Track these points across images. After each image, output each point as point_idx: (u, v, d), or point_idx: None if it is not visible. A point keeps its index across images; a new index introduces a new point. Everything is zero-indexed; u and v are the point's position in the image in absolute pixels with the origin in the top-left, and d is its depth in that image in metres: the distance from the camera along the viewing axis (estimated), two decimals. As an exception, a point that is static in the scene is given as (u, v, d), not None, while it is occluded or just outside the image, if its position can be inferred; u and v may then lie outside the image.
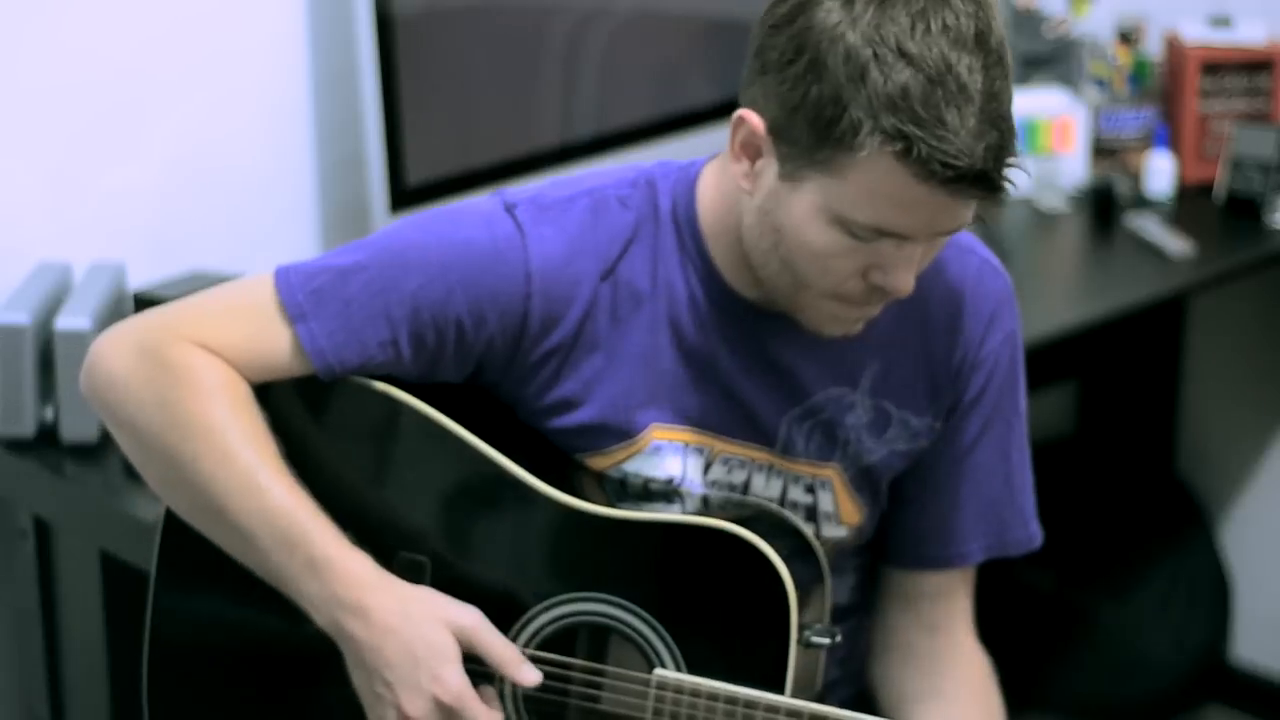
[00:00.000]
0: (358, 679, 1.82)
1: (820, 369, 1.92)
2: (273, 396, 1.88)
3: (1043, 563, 3.65)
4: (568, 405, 1.90)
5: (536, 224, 1.86)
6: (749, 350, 1.90)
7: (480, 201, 1.91)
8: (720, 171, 1.88)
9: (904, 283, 1.77)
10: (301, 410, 1.90)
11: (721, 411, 1.91)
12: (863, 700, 2.06)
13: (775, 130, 1.76)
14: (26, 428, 2.52)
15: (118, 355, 1.87)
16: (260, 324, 1.86)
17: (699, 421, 1.91)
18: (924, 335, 1.94)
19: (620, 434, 1.90)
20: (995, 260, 1.99)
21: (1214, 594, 3.74)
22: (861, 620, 2.06)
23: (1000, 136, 1.70)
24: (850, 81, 1.69)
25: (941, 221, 1.75)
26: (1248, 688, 3.77)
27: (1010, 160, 1.72)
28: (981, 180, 1.70)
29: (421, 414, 1.88)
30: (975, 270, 1.96)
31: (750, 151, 1.79)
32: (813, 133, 1.72)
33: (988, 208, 1.78)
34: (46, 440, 2.53)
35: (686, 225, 1.89)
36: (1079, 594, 3.67)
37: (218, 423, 1.82)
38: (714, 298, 1.89)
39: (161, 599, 1.94)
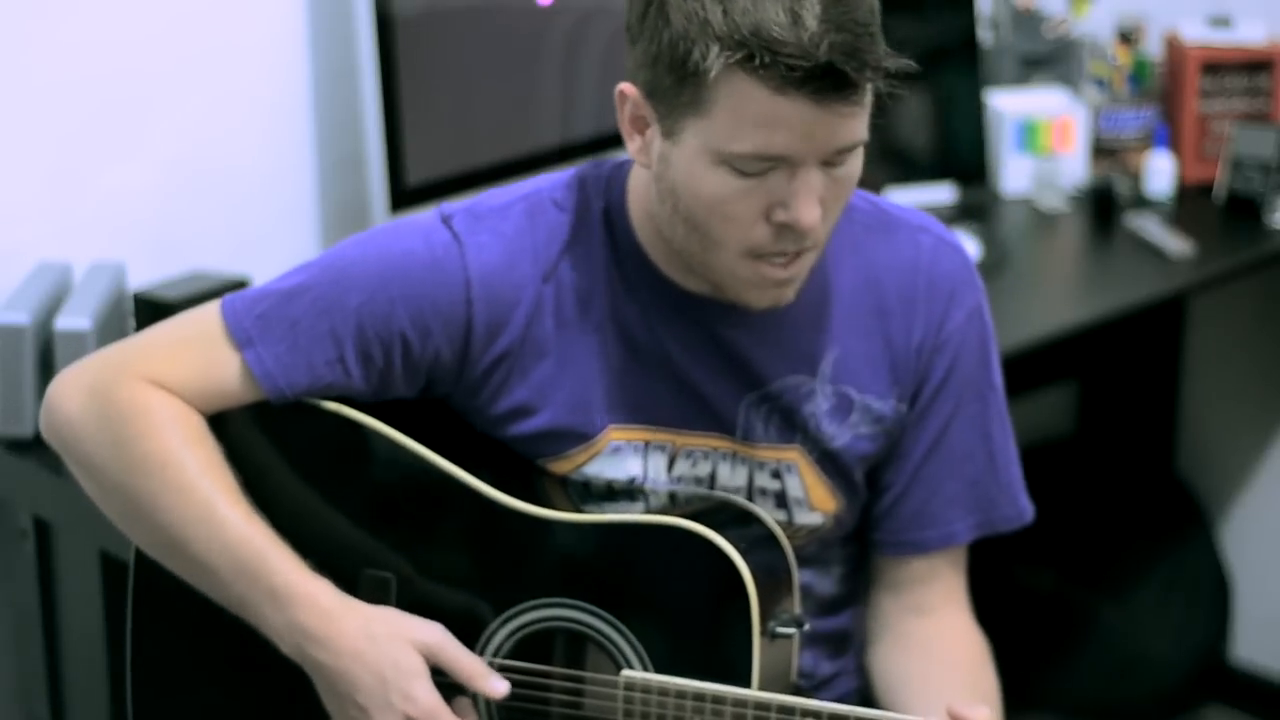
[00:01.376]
0: (330, 705, 1.82)
1: (777, 356, 1.91)
2: (228, 426, 1.88)
3: (1042, 562, 3.66)
4: (522, 413, 1.90)
5: (473, 232, 1.87)
6: (698, 339, 1.90)
7: (420, 215, 1.92)
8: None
9: (807, 214, 1.75)
10: (257, 437, 1.90)
11: (677, 404, 1.91)
12: (865, 686, 2.06)
13: (649, 91, 1.78)
14: (26, 428, 2.52)
15: (71, 398, 1.88)
16: (209, 354, 1.87)
17: (656, 418, 1.91)
18: (881, 318, 1.94)
19: (577, 437, 1.91)
20: (952, 237, 1.98)
21: (1214, 594, 3.75)
22: (855, 611, 2.06)
23: (852, 38, 1.70)
24: (692, 16, 1.71)
25: (821, 136, 1.73)
26: (1248, 688, 3.77)
27: (869, 59, 1.71)
28: (833, 77, 1.69)
29: (376, 432, 1.89)
30: (930, 249, 1.95)
31: (639, 125, 1.81)
32: (672, 76, 1.74)
33: (868, 116, 1.76)
34: (46, 440, 2.53)
35: (619, 222, 1.89)
36: (1079, 594, 3.67)
37: (172, 457, 1.83)
38: (657, 291, 1.89)
39: (141, 606, 1.95)
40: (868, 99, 1.75)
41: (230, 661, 1.92)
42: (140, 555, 1.93)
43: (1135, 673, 3.65)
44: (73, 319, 2.47)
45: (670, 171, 1.79)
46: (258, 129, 2.81)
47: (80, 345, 2.40)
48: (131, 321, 2.55)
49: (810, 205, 1.76)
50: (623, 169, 1.92)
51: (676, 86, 1.74)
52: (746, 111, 1.72)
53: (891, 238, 1.94)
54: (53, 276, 2.59)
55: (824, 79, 1.69)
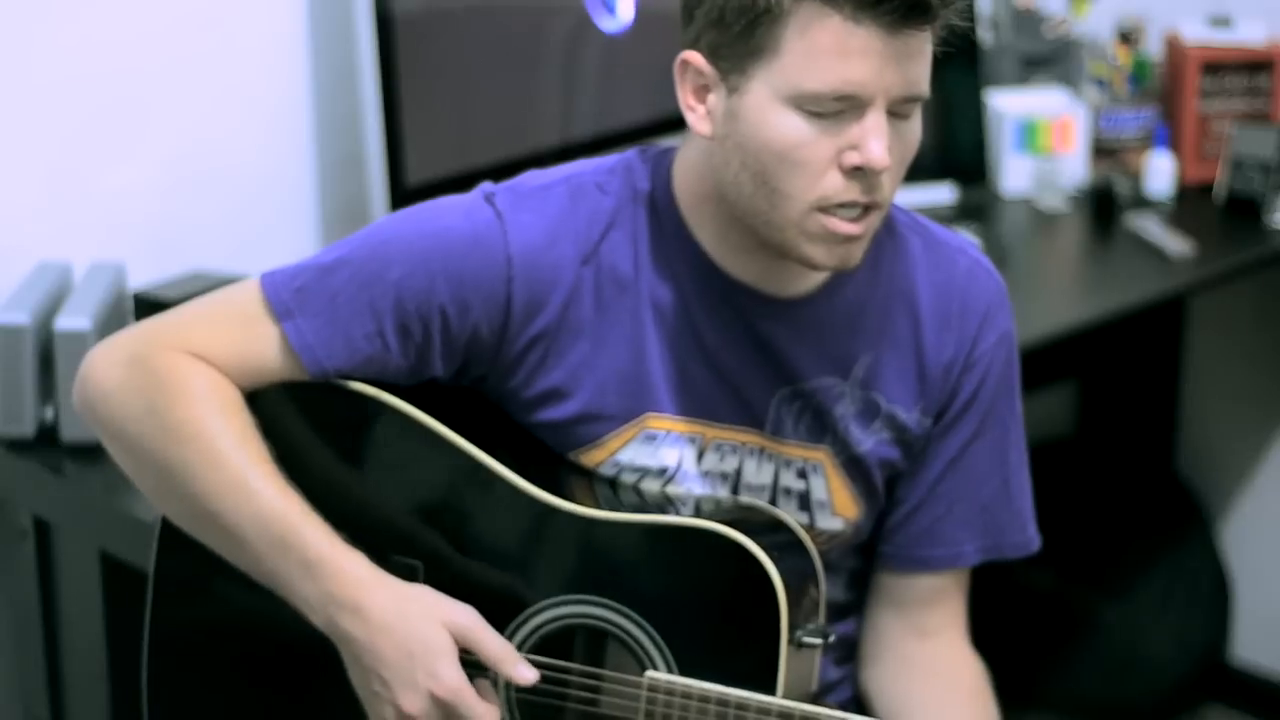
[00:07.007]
0: (355, 677, 1.82)
1: (812, 356, 1.92)
2: (262, 403, 1.88)
3: (1042, 562, 3.64)
4: (556, 395, 1.90)
5: (515, 210, 1.87)
6: (738, 328, 1.90)
7: (461, 195, 1.92)
8: (689, 146, 1.89)
9: (878, 153, 1.76)
10: (292, 416, 1.90)
11: (710, 392, 1.91)
12: (862, 703, 2.06)
13: (712, 51, 1.79)
14: (26, 428, 2.52)
15: (107, 368, 1.88)
16: (248, 327, 1.87)
17: (689, 408, 1.91)
18: (915, 330, 1.94)
19: (611, 421, 1.90)
20: (987, 262, 1.99)
21: (1214, 594, 3.75)
22: (859, 619, 2.06)
23: None
24: None
25: (891, 72, 1.75)
26: (1248, 688, 3.77)
27: None
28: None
29: (411, 418, 1.88)
30: (966, 270, 1.96)
31: (700, 93, 1.82)
32: (741, 23, 1.76)
33: (934, 59, 1.79)
34: (46, 440, 2.53)
35: (665, 207, 1.89)
36: (1079, 593, 3.67)
37: (207, 428, 1.83)
38: (700, 277, 1.89)
39: (161, 594, 1.95)
40: (930, 46, 1.77)
41: (252, 641, 1.92)
42: (163, 535, 1.92)
43: (1135, 673, 3.65)
44: (73, 319, 2.47)
45: (738, 126, 1.79)
46: (258, 129, 2.81)
47: (80, 345, 2.40)
48: (131, 322, 2.55)
49: (881, 145, 1.76)
50: (668, 154, 1.92)
51: (746, 33, 1.76)
52: (820, 43, 1.73)
53: (931, 254, 1.95)
54: (53, 276, 2.59)
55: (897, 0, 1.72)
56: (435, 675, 1.78)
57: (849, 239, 1.81)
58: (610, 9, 2.89)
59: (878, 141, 1.76)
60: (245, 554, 1.83)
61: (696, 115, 1.83)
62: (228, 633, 1.93)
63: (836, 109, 1.76)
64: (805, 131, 1.77)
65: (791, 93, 1.75)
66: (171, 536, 1.91)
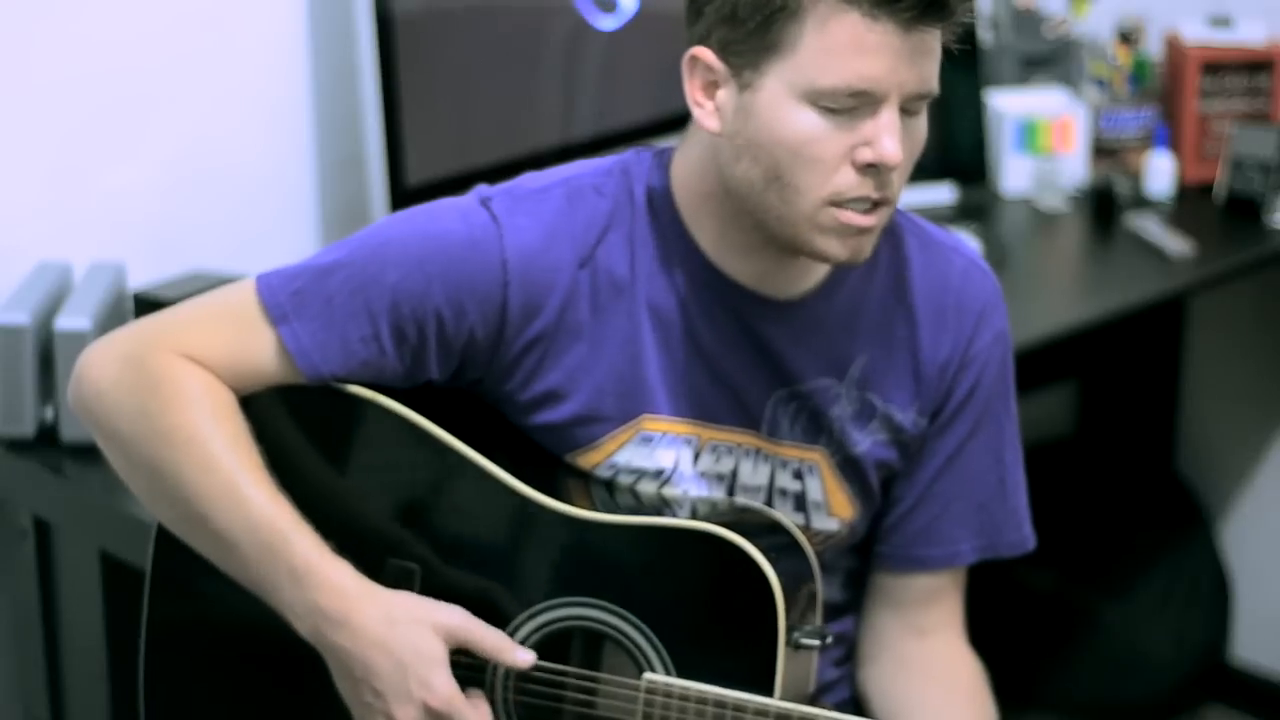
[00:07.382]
0: (344, 687, 1.82)
1: (809, 357, 1.92)
2: (256, 406, 1.88)
3: (1043, 562, 3.65)
4: (553, 397, 1.90)
5: (511, 214, 1.87)
6: (735, 329, 1.90)
7: (458, 198, 1.92)
8: (690, 145, 1.89)
9: (891, 150, 1.77)
10: (286, 419, 1.90)
11: (707, 394, 1.91)
12: (860, 703, 2.06)
13: (724, 47, 1.79)
14: (26, 428, 2.52)
15: (102, 368, 1.88)
16: (243, 329, 1.87)
17: (686, 409, 1.91)
18: (910, 331, 1.95)
19: (608, 423, 1.90)
20: (982, 262, 2.00)
21: (1214, 594, 3.75)
22: (855, 618, 2.06)
23: None
24: None
25: (905, 69, 1.76)
26: (1248, 688, 3.77)
27: None
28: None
29: (407, 420, 1.88)
30: (961, 270, 1.97)
31: (709, 90, 1.82)
32: (756, 19, 1.76)
33: (946, 55, 1.80)
34: (46, 440, 2.53)
35: (663, 208, 1.89)
36: (1079, 593, 3.67)
37: (200, 432, 1.83)
38: (698, 278, 1.89)
39: (158, 593, 1.95)
40: (940, 44, 1.78)
41: (249, 639, 1.92)
42: (160, 534, 1.92)
43: (1135, 673, 3.65)
44: (73, 319, 2.47)
45: (750, 122, 1.79)
46: (258, 129, 2.81)
47: (80, 345, 2.38)
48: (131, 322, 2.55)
49: (894, 142, 1.77)
50: (666, 154, 1.92)
51: (761, 29, 1.76)
52: (837, 39, 1.74)
53: (926, 254, 1.95)
54: (53, 276, 2.59)
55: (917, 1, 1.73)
56: (428, 685, 1.78)
57: (861, 231, 1.81)
58: (612, 4, 2.89)
59: (891, 138, 1.77)
60: (233, 559, 1.83)
61: (705, 111, 1.83)
62: (224, 631, 1.93)
63: (851, 105, 1.76)
64: (819, 127, 1.77)
65: (806, 89, 1.76)
66: (168, 535, 1.91)
